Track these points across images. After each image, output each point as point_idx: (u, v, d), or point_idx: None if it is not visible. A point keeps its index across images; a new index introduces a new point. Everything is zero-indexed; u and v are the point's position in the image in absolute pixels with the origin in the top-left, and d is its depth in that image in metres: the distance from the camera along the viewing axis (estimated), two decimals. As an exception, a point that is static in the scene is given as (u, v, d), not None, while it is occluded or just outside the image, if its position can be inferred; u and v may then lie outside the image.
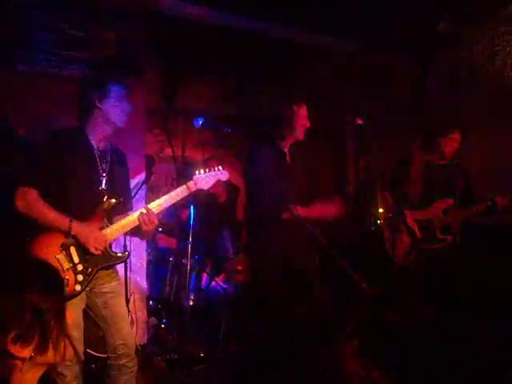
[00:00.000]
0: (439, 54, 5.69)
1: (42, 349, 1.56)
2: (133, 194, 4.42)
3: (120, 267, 4.49)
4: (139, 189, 4.64)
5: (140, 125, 4.87)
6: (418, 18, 5.55)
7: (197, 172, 3.31)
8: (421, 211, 4.41)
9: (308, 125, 4.19)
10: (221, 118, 6.53)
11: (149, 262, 5.19)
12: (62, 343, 1.61)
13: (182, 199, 3.27)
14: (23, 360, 1.54)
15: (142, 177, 4.84)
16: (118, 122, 3.12)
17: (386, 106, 5.96)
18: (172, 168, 5.51)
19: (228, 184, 6.27)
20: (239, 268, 5.43)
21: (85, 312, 3.11)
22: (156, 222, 3.11)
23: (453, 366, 3.89)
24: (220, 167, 3.43)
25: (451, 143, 4.59)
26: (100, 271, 3.04)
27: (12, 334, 1.51)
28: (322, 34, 6.18)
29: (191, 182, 3.27)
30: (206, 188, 3.34)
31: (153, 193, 5.82)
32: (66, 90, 4.36)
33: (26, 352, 1.54)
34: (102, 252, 3.00)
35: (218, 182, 3.42)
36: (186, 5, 5.26)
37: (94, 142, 3.11)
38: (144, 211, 3.07)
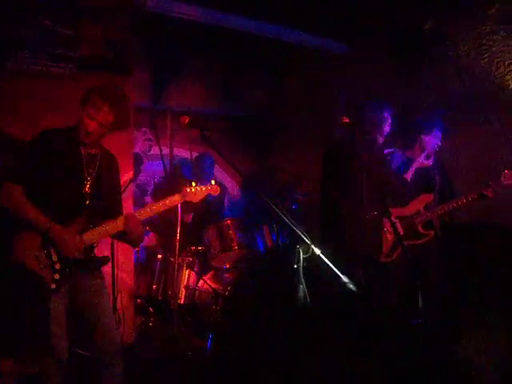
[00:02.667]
0: (426, 53, 5.72)
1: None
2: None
3: (108, 265, 4.52)
4: (126, 187, 4.63)
5: (127, 123, 4.86)
6: (404, 18, 5.59)
7: (188, 186, 3.34)
8: (402, 208, 4.46)
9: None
10: (210, 117, 6.56)
11: (136, 260, 5.19)
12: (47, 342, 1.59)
13: (168, 209, 3.30)
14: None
15: (129, 175, 4.83)
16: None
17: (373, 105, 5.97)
18: (160, 166, 5.49)
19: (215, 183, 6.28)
20: (227, 266, 5.43)
21: (71, 310, 3.09)
22: (140, 228, 3.13)
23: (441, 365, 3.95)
24: (213, 181, 3.47)
25: (434, 140, 4.67)
26: (82, 271, 3.05)
27: None
28: (311, 35, 6.20)
29: (180, 194, 3.31)
30: (194, 201, 3.38)
31: (141, 191, 5.83)
32: (52, 88, 4.37)
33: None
34: (79, 256, 3.00)
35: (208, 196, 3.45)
36: (173, 3, 5.24)
37: (82, 147, 3.12)
38: (127, 217, 3.11)
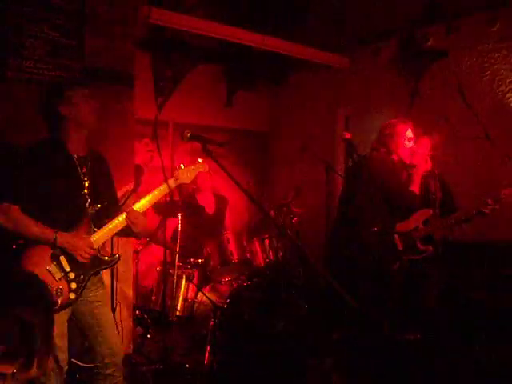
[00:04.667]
0: (428, 70, 5.75)
1: (26, 366, 1.52)
2: (121, 204, 4.42)
3: (106, 276, 4.51)
4: (127, 198, 4.63)
5: (130, 134, 4.87)
6: (407, 35, 5.64)
7: (177, 168, 3.31)
8: (401, 223, 4.44)
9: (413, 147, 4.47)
10: (210, 130, 6.58)
11: (135, 272, 5.17)
12: (47, 359, 1.57)
13: (165, 195, 3.29)
14: (4, 376, 1.49)
15: (130, 186, 4.83)
16: (89, 123, 3.12)
17: (375, 120, 6.00)
18: (161, 178, 5.49)
19: (216, 195, 6.29)
20: (226, 279, 5.42)
21: (70, 321, 3.09)
22: (144, 221, 3.14)
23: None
24: (200, 159, 3.40)
25: (422, 150, 4.62)
26: (96, 275, 3.08)
27: None
28: (312, 48, 6.24)
29: (172, 178, 3.28)
30: (188, 182, 3.34)
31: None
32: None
33: (9, 369, 1.50)
34: (91, 258, 3.00)
35: (200, 174, 3.43)
36: (177, 16, 5.29)
37: (71, 149, 3.10)
38: (128, 212, 3.09)
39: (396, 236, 4.38)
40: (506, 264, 4.95)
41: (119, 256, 3.20)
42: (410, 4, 5.49)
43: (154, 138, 6.21)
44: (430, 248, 4.44)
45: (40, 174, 2.98)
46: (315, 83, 6.99)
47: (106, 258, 3.13)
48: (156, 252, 5.98)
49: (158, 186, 3.23)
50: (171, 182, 3.27)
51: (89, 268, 3.02)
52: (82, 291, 2.98)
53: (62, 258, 2.94)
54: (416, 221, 4.47)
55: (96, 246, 3.03)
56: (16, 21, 4.23)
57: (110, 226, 3.09)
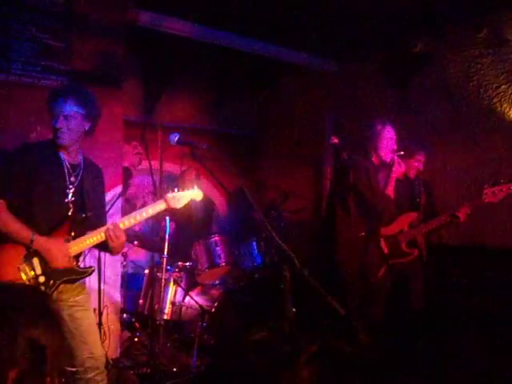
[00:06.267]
0: (416, 75, 5.79)
1: None
2: (109, 207, 4.41)
3: (94, 280, 4.50)
4: (115, 201, 4.62)
5: (118, 137, 4.86)
6: (395, 40, 5.67)
7: (170, 192, 3.28)
8: (386, 226, 4.45)
9: (395, 147, 4.44)
10: (199, 132, 6.58)
11: (123, 275, 5.16)
12: (57, 380, 1.54)
13: (152, 217, 3.28)
14: None
15: (118, 189, 4.82)
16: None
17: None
18: (150, 180, 5.49)
19: (204, 198, 6.28)
20: (216, 282, 5.42)
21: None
22: (123, 238, 3.10)
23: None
24: (195, 186, 3.40)
25: (416, 164, 4.69)
26: (64, 284, 3.02)
27: (11, 378, 1.41)
28: (301, 52, 6.26)
29: (162, 201, 3.26)
30: (178, 207, 3.32)
31: (130, 205, 5.81)
32: (43, 100, 4.36)
33: None
34: (65, 266, 2.98)
35: (187, 175, 3.41)
36: (165, 19, 5.28)
37: (63, 156, 3.11)
38: (111, 227, 3.07)
39: (382, 240, 4.40)
40: (494, 268, 4.97)
41: (94, 270, 3.18)
42: (398, 10, 5.51)
43: (142, 141, 6.20)
44: (416, 251, 4.46)
45: (27, 175, 2.98)
46: (304, 87, 7.01)
47: (80, 269, 3.10)
48: (144, 255, 5.98)
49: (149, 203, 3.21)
50: (161, 204, 3.25)
51: (60, 275, 2.98)
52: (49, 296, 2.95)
53: (35, 260, 2.93)
54: (401, 224, 4.49)
55: (71, 255, 3.01)
56: (3, 22, 4.21)
57: (89, 237, 3.07)
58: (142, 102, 6.41)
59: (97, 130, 4.40)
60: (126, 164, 5.51)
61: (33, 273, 2.90)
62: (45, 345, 1.47)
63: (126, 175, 5.24)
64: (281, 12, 5.33)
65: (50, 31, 4.42)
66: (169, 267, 5.19)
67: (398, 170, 4.43)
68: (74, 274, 3.06)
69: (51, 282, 2.95)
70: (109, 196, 4.58)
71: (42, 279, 2.92)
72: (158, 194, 3.32)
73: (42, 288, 2.91)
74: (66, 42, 4.51)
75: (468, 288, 5.02)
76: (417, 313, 4.45)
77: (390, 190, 4.42)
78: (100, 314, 4.43)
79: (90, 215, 3.11)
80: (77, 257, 3.11)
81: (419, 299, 4.53)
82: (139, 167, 6.50)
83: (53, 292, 2.96)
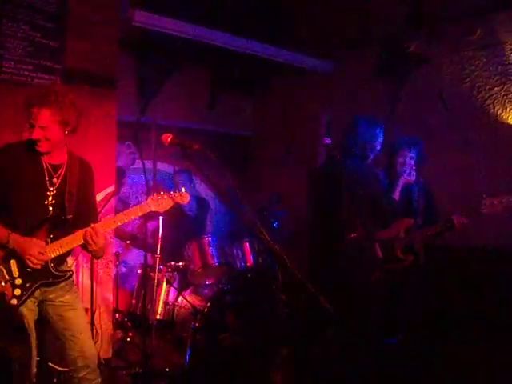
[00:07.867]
0: (411, 75, 5.80)
1: None
2: (102, 206, 4.40)
3: (87, 279, 4.50)
4: (108, 200, 4.61)
5: (111, 136, 4.85)
6: (390, 41, 5.68)
7: (155, 195, 3.21)
8: (382, 231, 4.41)
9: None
10: (194, 132, 6.57)
11: (116, 275, 5.15)
12: None
13: (133, 219, 3.22)
14: None
15: (111, 189, 4.81)
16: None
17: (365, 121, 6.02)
18: (143, 180, 5.47)
19: (197, 198, 6.28)
20: (207, 282, 5.42)
21: (46, 325, 3.08)
22: (101, 243, 3.00)
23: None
24: (183, 189, 3.33)
25: (400, 159, 4.57)
26: (45, 287, 3.00)
27: None
28: (296, 53, 6.26)
29: (145, 204, 3.18)
30: (161, 211, 3.24)
31: (123, 205, 5.79)
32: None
33: None
34: (42, 267, 2.94)
35: (176, 204, 3.32)
36: (160, 18, 5.27)
37: (44, 157, 3.03)
38: (90, 230, 2.97)
39: (376, 244, 4.35)
40: (489, 270, 4.96)
41: (71, 274, 3.12)
42: (393, 11, 5.53)
43: (136, 141, 6.19)
44: (411, 257, 4.38)
45: (5, 176, 2.94)
46: (299, 87, 7.01)
47: (57, 272, 3.03)
48: (136, 255, 5.97)
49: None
50: (143, 207, 3.17)
51: (37, 277, 2.95)
52: (25, 299, 2.91)
53: (13, 262, 2.91)
54: (397, 229, 4.43)
55: (49, 257, 2.96)
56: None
57: (68, 240, 3.00)
58: (136, 102, 6.39)
59: (90, 130, 4.41)
60: (119, 164, 5.50)
61: (9, 276, 2.88)
62: (11, 358, 1.44)
63: (119, 175, 5.22)
64: (275, 12, 5.34)
65: (43, 30, 4.40)
66: (161, 267, 5.19)
67: (407, 179, 4.47)
68: (52, 277, 3.01)
69: (27, 284, 2.91)
70: (101, 196, 4.57)
71: (18, 281, 2.89)
72: (150, 193, 3.29)
73: (18, 290, 2.88)
74: (59, 41, 4.49)
75: (466, 288, 5.00)
76: (407, 321, 4.43)
77: (396, 196, 4.45)
78: (92, 314, 4.42)
79: (70, 217, 3.05)
80: (57, 260, 3.03)
81: (410, 307, 4.47)
82: (133, 167, 6.49)
83: (29, 294, 2.92)
